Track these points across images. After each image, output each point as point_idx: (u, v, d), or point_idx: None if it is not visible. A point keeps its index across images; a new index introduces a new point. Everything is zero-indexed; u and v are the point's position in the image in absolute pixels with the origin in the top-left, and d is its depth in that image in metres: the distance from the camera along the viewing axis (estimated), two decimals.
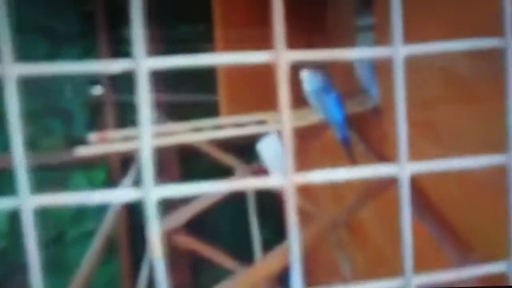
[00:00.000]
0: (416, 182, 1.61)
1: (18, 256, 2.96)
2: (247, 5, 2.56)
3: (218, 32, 2.23)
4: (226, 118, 2.21)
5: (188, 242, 2.48)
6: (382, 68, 1.91)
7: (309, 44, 2.55)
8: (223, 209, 2.42)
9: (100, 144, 2.10)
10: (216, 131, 2.17)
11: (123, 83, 2.98)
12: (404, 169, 0.27)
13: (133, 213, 3.03)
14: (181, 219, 2.32)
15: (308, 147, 2.47)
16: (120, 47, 2.95)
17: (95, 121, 2.99)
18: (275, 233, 2.84)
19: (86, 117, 2.95)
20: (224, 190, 0.26)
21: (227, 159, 2.41)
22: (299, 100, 2.16)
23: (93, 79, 3.01)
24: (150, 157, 0.25)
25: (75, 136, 2.83)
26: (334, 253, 2.17)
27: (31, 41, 2.84)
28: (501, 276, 0.31)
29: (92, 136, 2.11)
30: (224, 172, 2.31)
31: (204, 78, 2.45)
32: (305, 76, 2.01)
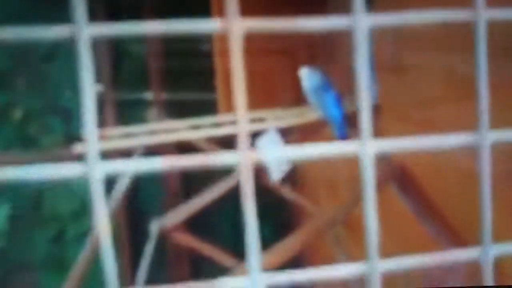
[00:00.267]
0: (413, 177, 1.60)
1: (17, 256, 2.95)
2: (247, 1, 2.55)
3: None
4: (224, 116, 2.20)
5: (188, 240, 2.47)
6: (381, 68, 1.90)
7: (309, 44, 2.54)
8: (222, 207, 2.41)
9: (98, 141, 2.09)
10: (215, 128, 2.16)
11: (123, 82, 2.97)
12: (366, 146, 0.26)
13: (133, 211, 3.02)
14: (181, 216, 2.31)
15: (309, 143, 2.45)
16: (119, 44, 2.94)
17: (95, 118, 2.98)
18: (273, 231, 2.83)
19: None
20: (174, 167, 0.24)
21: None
22: (298, 98, 2.16)
23: (93, 76, 3.00)
24: (94, 130, 0.23)
25: (75, 134, 2.82)
26: (332, 250, 2.16)
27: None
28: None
29: None
30: (223, 169, 2.29)
31: (202, 76, 2.44)
32: (304, 74, 2.00)
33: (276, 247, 1.70)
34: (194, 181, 2.89)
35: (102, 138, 2.12)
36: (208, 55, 2.47)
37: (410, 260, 0.27)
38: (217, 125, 2.13)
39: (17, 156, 2.84)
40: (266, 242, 1.96)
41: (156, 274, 2.28)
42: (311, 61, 2.22)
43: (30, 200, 2.94)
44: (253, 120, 2.14)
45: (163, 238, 2.25)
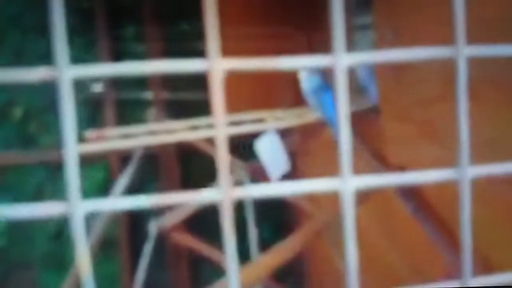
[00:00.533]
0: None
1: (16, 254, 2.96)
2: (244, 2, 2.55)
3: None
4: (224, 117, 2.20)
5: (186, 240, 2.47)
6: (380, 69, 1.90)
7: (309, 43, 2.54)
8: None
9: (96, 142, 2.09)
10: (214, 129, 2.16)
11: (124, 81, 2.97)
12: (347, 184, 0.26)
13: (132, 211, 3.03)
14: (180, 216, 2.32)
15: (307, 146, 2.46)
16: (119, 44, 2.94)
17: (95, 118, 2.98)
18: (273, 232, 2.83)
19: (86, 114, 2.95)
20: (151, 206, 0.25)
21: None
22: (297, 99, 2.16)
23: (93, 77, 3.00)
24: (75, 170, 0.24)
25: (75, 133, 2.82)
26: (331, 251, 2.16)
27: (31, 40, 2.84)
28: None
29: (89, 133, 2.11)
30: None
31: (202, 77, 2.44)
32: (303, 75, 2.00)
33: (276, 248, 1.70)
34: (193, 181, 2.90)
35: (101, 138, 2.13)
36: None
37: None
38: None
39: (16, 155, 2.85)
40: (266, 243, 1.96)
41: (155, 274, 2.29)
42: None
43: (29, 199, 2.94)
44: (253, 121, 2.15)
45: (162, 238, 2.26)
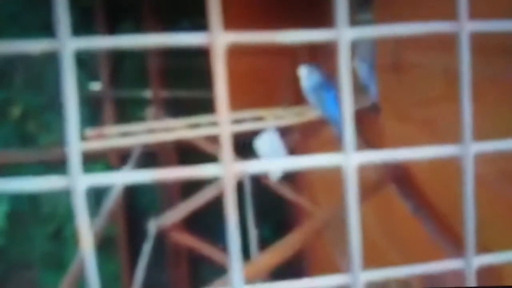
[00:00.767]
0: (413, 178, 1.60)
1: (15, 254, 2.96)
2: (246, 2, 2.55)
3: None
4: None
5: (186, 239, 2.47)
6: (381, 68, 1.90)
7: (310, 43, 2.53)
8: (220, 205, 2.41)
9: (96, 140, 2.09)
10: (213, 127, 2.16)
11: (123, 80, 2.97)
12: (350, 159, 0.26)
13: (132, 210, 3.02)
14: (179, 215, 2.31)
15: (307, 144, 2.46)
16: None
17: (94, 116, 2.98)
18: (273, 230, 2.83)
19: (84, 112, 2.95)
20: (156, 179, 0.24)
21: None
22: (298, 97, 2.16)
23: (93, 75, 3.01)
24: (77, 144, 0.23)
25: None
26: (331, 249, 2.16)
27: (31, 38, 2.83)
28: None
29: (89, 132, 2.11)
30: None
31: (202, 75, 2.44)
32: (303, 72, 2.00)
33: (276, 246, 1.70)
34: (192, 180, 2.89)
35: (101, 136, 2.13)
36: (207, 54, 2.46)
37: (393, 271, 0.27)
38: (216, 123, 2.12)
39: (15, 153, 2.84)
40: (266, 241, 1.96)
41: (154, 273, 2.28)
42: (312, 59, 2.22)
43: (28, 198, 2.94)
44: (252, 119, 2.15)
45: (161, 237, 2.25)
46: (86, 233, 0.24)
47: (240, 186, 2.33)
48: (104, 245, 2.66)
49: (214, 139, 2.24)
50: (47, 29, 2.85)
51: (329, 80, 1.97)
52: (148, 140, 2.18)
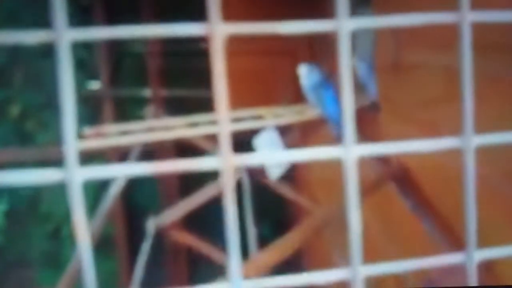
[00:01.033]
0: (413, 177, 1.60)
1: (13, 252, 2.95)
2: (247, 1, 2.54)
3: None
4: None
5: (185, 238, 2.46)
6: (381, 68, 1.89)
7: (310, 41, 2.54)
8: (220, 204, 2.40)
9: (95, 139, 2.09)
10: (213, 126, 2.16)
11: (122, 79, 2.96)
12: (350, 152, 0.26)
13: (130, 209, 3.02)
14: (178, 214, 2.31)
15: (307, 143, 2.45)
16: (118, 41, 2.93)
17: (94, 115, 2.97)
18: (272, 229, 2.83)
19: (83, 111, 2.94)
20: (154, 172, 0.24)
21: None
22: (298, 96, 2.15)
23: (92, 74, 3.00)
24: (74, 137, 0.23)
25: None
26: (330, 248, 2.16)
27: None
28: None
29: (87, 130, 2.10)
30: None
31: (201, 74, 2.43)
32: (303, 71, 2.00)
33: (275, 245, 1.70)
34: (191, 178, 2.89)
35: (99, 135, 2.12)
36: (207, 53, 2.45)
37: (393, 265, 0.27)
38: (215, 122, 2.12)
39: (14, 152, 2.84)
40: (265, 240, 1.96)
41: (153, 272, 2.28)
42: (311, 58, 2.22)
43: (26, 197, 2.94)
44: (252, 118, 2.14)
45: (160, 236, 2.25)
46: (83, 227, 0.24)
47: (239, 185, 2.33)
48: (102, 244, 2.66)
49: (213, 138, 2.24)
50: (46, 27, 2.84)
51: (329, 79, 1.97)
52: (147, 139, 2.18)
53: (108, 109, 2.98)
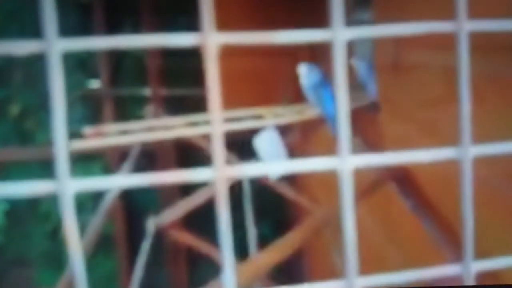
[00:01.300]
0: (413, 178, 1.60)
1: (13, 251, 2.95)
2: (245, 3, 2.54)
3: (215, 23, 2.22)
4: (222, 113, 2.19)
5: (184, 237, 2.46)
6: (381, 66, 1.89)
7: (311, 46, 2.53)
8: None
9: (94, 138, 2.08)
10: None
11: (122, 78, 2.96)
12: (345, 162, 0.25)
13: (130, 209, 3.02)
14: (178, 214, 2.31)
15: (307, 142, 2.45)
16: None
17: (94, 114, 2.97)
18: (272, 229, 2.83)
19: (83, 111, 2.94)
20: (146, 183, 0.24)
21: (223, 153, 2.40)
22: (298, 95, 2.15)
23: (92, 73, 3.00)
24: (65, 148, 0.23)
25: (72, 130, 2.82)
26: (330, 250, 2.16)
27: (30, 36, 2.82)
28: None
29: (87, 130, 2.10)
30: None
31: (200, 73, 2.43)
32: (303, 70, 1.99)
33: (275, 245, 1.70)
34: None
35: (99, 135, 2.12)
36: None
37: (390, 277, 0.26)
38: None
39: (13, 151, 2.84)
40: (265, 240, 1.96)
41: (152, 271, 2.28)
42: (311, 58, 2.21)
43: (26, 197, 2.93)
44: (252, 117, 2.14)
45: (160, 235, 2.25)
46: (75, 239, 0.24)
47: (239, 185, 2.33)
48: (102, 243, 2.66)
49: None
50: (38, 26, 2.84)
51: (329, 78, 1.97)
52: (147, 138, 2.18)
53: (108, 109, 2.97)
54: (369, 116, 1.93)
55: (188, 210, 2.28)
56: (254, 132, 2.11)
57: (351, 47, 2.01)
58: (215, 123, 0.24)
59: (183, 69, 2.92)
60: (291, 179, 2.57)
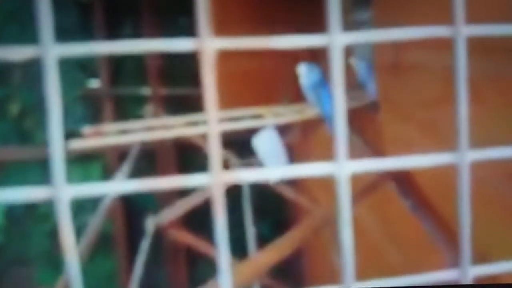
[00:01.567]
0: (411, 177, 1.59)
1: (13, 251, 2.95)
2: (245, 4, 2.54)
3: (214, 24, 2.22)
4: (221, 112, 2.19)
5: (184, 236, 2.46)
6: (381, 66, 1.89)
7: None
8: None
9: (94, 138, 2.08)
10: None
11: (122, 78, 2.96)
12: (343, 168, 0.25)
13: (130, 208, 3.02)
14: (177, 213, 2.31)
15: (306, 142, 2.45)
16: (118, 40, 2.93)
17: (93, 114, 2.97)
18: (272, 229, 2.83)
19: (82, 110, 2.94)
20: (143, 189, 0.24)
21: (223, 153, 2.40)
22: (298, 95, 2.15)
23: (92, 73, 3.00)
24: (61, 154, 0.23)
25: (71, 130, 2.82)
26: (330, 250, 2.16)
27: (30, 35, 2.82)
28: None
29: (86, 129, 2.10)
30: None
31: (200, 72, 2.43)
32: (303, 70, 1.99)
33: (275, 245, 1.70)
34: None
35: (99, 134, 2.12)
36: None
37: (387, 281, 0.26)
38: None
39: (13, 151, 2.84)
40: (265, 240, 1.96)
41: (152, 270, 2.28)
42: (311, 58, 2.21)
43: None
44: (252, 117, 2.14)
45: (159, 235, 2.25)
46: (71, 244, 0.24)
47: (239, 185, 2.33)
48: (102, 243, 2.66)
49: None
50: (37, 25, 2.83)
51: (329, 78, 1.96)
52: (146, 137, 2.18)
53: (108, 108, 2.97)
54: (369, 115, 1.93)
55: (187, 210, 2.28)
56: (254, 131, 2.10)
57: (351, 47, 2.01)
58: (211, 126, 0.24)
59: (183, 69, 2.92)
60: (291, 180, 2.57)
